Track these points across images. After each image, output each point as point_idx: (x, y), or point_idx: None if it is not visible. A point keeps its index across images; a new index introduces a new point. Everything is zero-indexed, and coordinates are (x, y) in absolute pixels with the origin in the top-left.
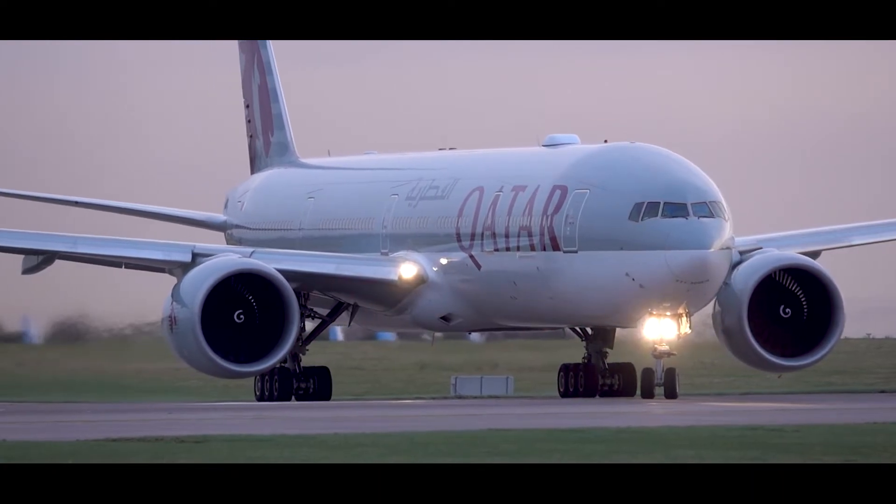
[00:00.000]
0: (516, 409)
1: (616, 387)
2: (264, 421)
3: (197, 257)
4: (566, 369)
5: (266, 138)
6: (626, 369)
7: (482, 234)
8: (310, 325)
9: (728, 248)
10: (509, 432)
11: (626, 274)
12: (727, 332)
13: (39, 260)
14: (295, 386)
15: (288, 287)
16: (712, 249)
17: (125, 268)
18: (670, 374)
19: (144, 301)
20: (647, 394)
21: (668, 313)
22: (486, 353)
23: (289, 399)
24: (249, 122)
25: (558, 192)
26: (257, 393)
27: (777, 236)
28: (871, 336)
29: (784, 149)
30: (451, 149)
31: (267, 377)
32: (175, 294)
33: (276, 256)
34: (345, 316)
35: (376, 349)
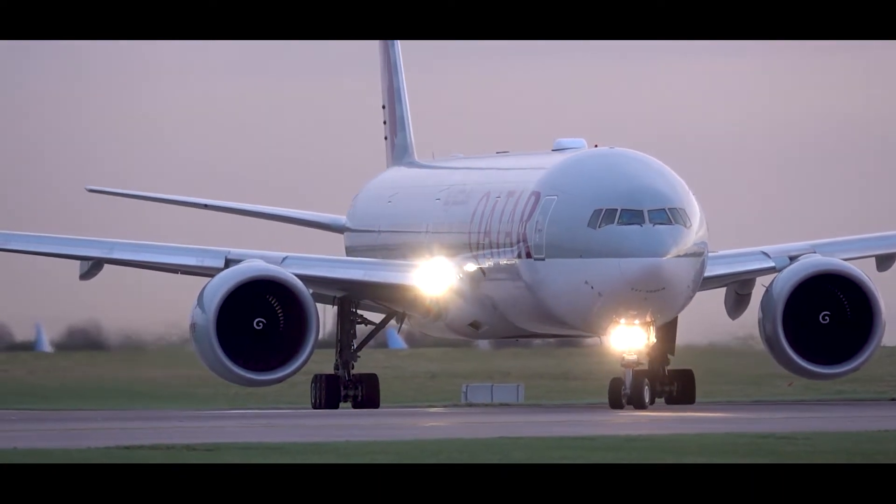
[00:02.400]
0: (527, 416)
1: (674, 393)
2: (276, 429)
3: (230, 263)
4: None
5: (392, 139)
6: (685, 376)
7: (484, 240)
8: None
9: (695, 254)
10: (520, 440)
11: (586, 282)
12: (767, 339)
13: (89, 266)
14: (343, 393)
15: (306, 294)
16: (667, 257)
17: (181, 273)
18: (638, 385)
19: (157, 308)
20: (615, 404)
21: (637, 322)
22: (496, 360)
23: (336, 406)
24: (385, 122)
25: (533, 198)
26: (312, 401)
27: (833, 241)
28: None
29: (812, 154)
30: (503, 152)
31: (318, 384)
32: (198, 300)
33: (307, 262)
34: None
35: (388, 357)
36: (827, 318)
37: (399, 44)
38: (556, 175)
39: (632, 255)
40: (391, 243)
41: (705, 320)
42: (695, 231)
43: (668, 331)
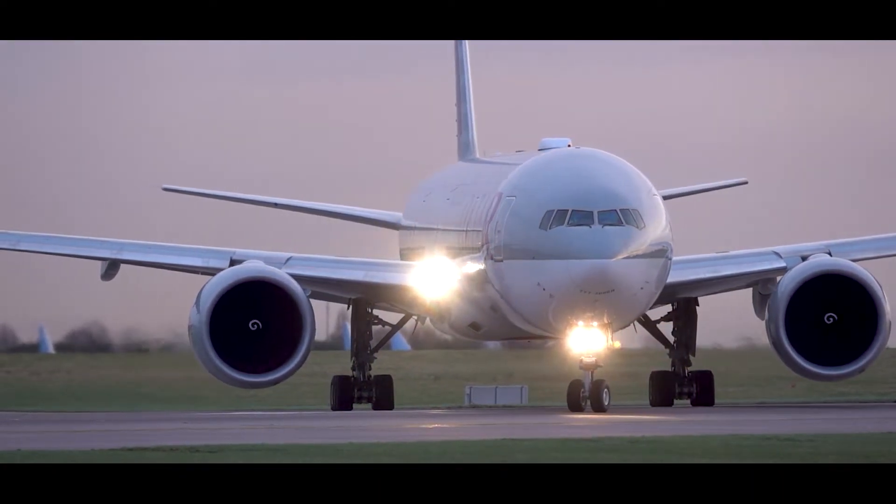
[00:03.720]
0: (531, 418)
1: (694, 395)
2: (279, 431)
3: (235, 264)
4: (654, 377)
5: (459, 137)
6: (704, 377)
7: (467, 242)
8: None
9: (652, 256)
10: (524, 442)
11: (538, 283)
12: (772, 340)
13: (106, 266)
14: (356, 395)
15: (302, 295)
16: (615, 258)
17: (202, 274)
18: (597, 387)
19: (161, 309)
20: (575, 406)
21: (595, 324)
22: (500, 362)
23: (349, 408)
24: (457, 120)
25: (496, 199)
26: (330, 403)
27: (848, 241)
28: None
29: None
30: (521, 151)
31: (335, 386)
32: (195, 302)
33: (311, 263)
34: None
35: (391, 359)
36: (832, 319)
37: (467, 43)
38: (518, 176)
39: (579, 257)
40: (418, 244)
41: (709, 323)
42: (651, 232)
43: (688, 332)
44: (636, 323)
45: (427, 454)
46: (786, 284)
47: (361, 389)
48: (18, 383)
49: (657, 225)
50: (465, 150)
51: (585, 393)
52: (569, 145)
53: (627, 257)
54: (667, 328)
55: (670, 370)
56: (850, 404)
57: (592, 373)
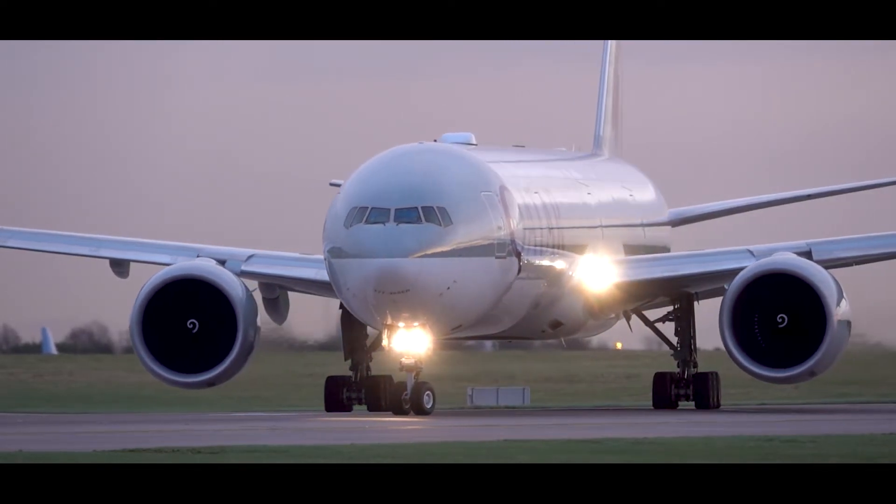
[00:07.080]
0: (532, 419)
1: (690, 397)
2: (280, 432)
3: None
4: (654, 379)
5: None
6: (701, 380)
7: None
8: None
9: (467, 255)
10: (525, 443)
11: (344, 283)
12: (722, 340)
13: (110, 264)
14: (345, 395)
15: (237, 294)
16: (411, 257)
17: None
18: (419, 389)
19: None
20: (397, 409)
21: (416, 324)
22: (501, 363)
23: (340, 409)
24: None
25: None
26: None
27: (831, 240)
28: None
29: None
30: (519, 146)
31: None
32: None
33: (271, 260)
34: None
35: (393, 361)
36: (782, 318)
37: (611, 43)
38: (354, 171)
39: (371, 256)
40: None
41: (711, 325)
42: (464, 231)
43: (688, 333)
44: (630, 324)
45: (429, 455)
46: (732, 284)
47: (351, 391)
48: (20, 384)
49: (476, 223)
50: (597, 144)
51: (407, 395)
52: (436, 140)
53: (424, 256)
54: (669, 329)
55: (671, 372)
56: (852, 405)
57: (416, 375)
